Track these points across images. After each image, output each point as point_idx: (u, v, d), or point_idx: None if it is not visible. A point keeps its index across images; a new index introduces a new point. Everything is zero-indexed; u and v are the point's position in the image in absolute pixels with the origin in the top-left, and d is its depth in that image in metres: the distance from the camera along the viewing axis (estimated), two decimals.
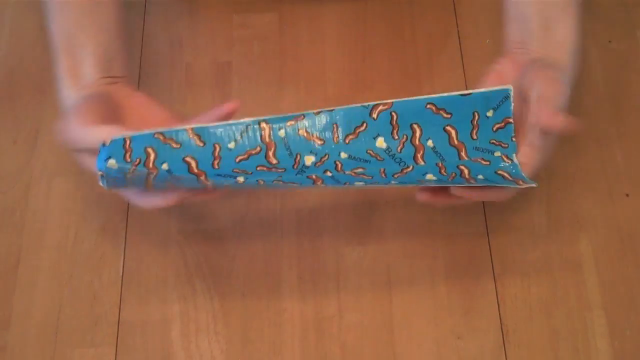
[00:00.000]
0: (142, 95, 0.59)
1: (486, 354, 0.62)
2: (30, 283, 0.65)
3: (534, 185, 0.53)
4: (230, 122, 0.55)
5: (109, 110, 0.56)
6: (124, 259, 0.66)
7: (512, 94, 0.56)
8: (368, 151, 0.57)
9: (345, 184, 0.55)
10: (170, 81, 0.74)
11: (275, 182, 0.55)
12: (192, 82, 0.74)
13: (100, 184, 0.54)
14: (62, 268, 0.66)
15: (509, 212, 0.67)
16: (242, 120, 0.55)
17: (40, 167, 0.70)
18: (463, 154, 0.57)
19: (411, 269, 0.65)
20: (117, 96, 0.58)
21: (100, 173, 0.53)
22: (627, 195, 0.68)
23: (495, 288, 0.64)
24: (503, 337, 0.63)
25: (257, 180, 0.55)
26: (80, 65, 0.58)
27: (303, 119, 0.56)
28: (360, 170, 0.56)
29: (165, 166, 0.54)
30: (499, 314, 0.63)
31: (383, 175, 0.56)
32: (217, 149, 0.55)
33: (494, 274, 0.65)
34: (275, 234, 0.67)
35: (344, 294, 0.65)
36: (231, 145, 0.55)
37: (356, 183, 0.55)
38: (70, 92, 0.58)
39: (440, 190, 0.55)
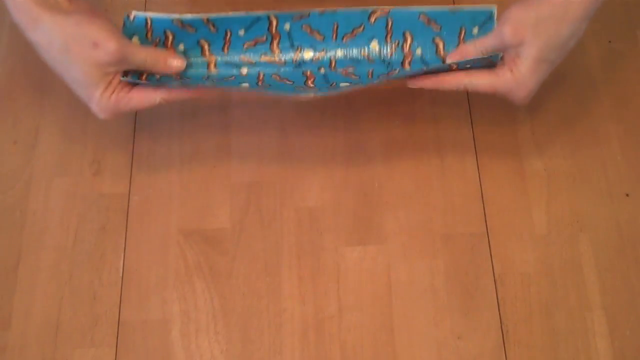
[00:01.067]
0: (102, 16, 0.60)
1: (486, 354, 0.62)
2: (30, 283, 0.65)
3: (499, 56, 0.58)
4: (243, 12, 0.62)
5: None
6: (124, 259, 0.66)
7: (495, 13, 0.61)
8: (362, 52, 0.64)
9: (332, 84, 0.62)
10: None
11: (273, 76, 0.63)
12: None
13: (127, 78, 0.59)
14: (62, 268, 0.66)
15: (509, 212, 0.67)
16: (253, 12, 0.62)
17: (40, 167, 0.70)
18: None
19: (411, 269, 0.65)
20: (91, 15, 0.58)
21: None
22: (627, 195, 0.68)
23: (495, 288, 0.64)
24: (503, 337, 0.63)
25: (257, 73, 0.63)
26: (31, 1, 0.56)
27: (308, 16, 0.63)
28: (350, 69, 0.63)
29: (181, 47, 0.63)
30: (499, 314, 0.63)
31: (370, 76, 0.63)
32: (228, 35, 0.63)
33: (494, 274, 0.65)
34: (275, 234, 0.67)
35: (344, 294, 0.65)
36: (241, 32, 0.63)
37: (342, 84, 0.62)
38: (43, 18, 0.56)
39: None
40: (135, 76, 0.60)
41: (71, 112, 0.72)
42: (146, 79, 0.60)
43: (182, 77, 0.61)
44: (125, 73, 0.59)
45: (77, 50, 0.56)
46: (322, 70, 0.63)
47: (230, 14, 0.62)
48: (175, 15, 0.62)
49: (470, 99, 0.72)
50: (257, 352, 0.63)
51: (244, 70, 0.63)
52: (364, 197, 0.68)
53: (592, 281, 0.64)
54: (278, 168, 0.69)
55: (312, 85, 0.62)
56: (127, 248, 0.67)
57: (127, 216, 0.68)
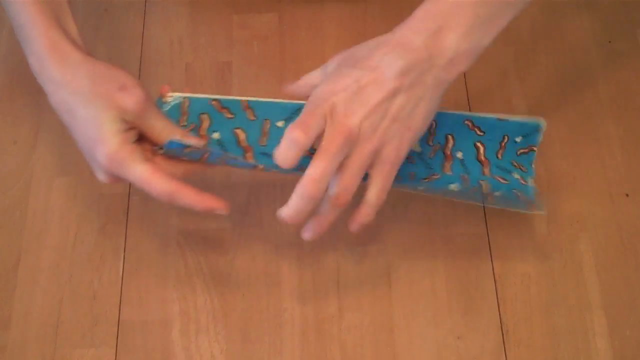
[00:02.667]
0: None
1: (486, 354, 0.62)
2: (30, 283, 0.65)
3: (542, 213, 0.58)
4: (284, 100, 0.58)
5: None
6: (124, 259, 0.66)
7: (543, 126, 0.60)
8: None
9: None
10: (171, 81, 0.74)
11: None
12: (192, 82, 0.74)
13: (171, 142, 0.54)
14: (62, 268, 0.66)
15: (509, 212, 0.67)
16: (295, 102, 0.58)
17: (40, 167, 0.70)
18: (486, 170, 0.60)
19: (411, 269, 0.65)
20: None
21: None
22: (627, 195, 0.68)
23: (495, 288, 0.64)
24: (503, 337, 0.63)
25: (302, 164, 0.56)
26: (63, 38, 0.55)
27: None
28: None
29: (216, 135, 0.57)
30: (499, 314, 0.63)
31: (412, 178, 0.58)
32: (267, 125, 0.58)
33: (494, 273, 0.65)
34: (275, 234, 0.67)
35: (344, 294, 0.65)
36: (280, 123, 0.58)
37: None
38: (74, 54, 0.54)
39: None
40: (177, 143, 0.53)
41: None
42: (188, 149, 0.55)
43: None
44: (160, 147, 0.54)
45: (101, 88, 0.53)
46: None
47: (271, 99, 0.57)
48: (213, 96, 0.57)
49: (470, 100, 0.72)
50: (257, 352, 0.63)
51: None
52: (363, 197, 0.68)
53: (592, 281, 0.64)
54: None
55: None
56: (127, 248, 0.67)
57: (127, 216, 0.68)
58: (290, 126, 0.51)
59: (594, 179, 0.69)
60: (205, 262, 0.66)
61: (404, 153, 0.53)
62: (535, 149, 0.61)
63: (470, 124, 0.60)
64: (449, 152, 0.60)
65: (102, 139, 0.53)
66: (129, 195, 0.69)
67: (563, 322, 0.63)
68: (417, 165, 0.59)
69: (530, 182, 0.60)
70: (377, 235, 0.67)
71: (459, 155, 0.60)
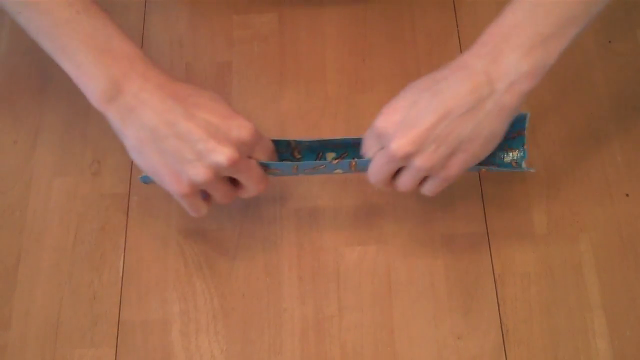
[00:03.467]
0: None
1: (486, 354, 0.62)
2: (30, 283, 0.65)
3: (532, 170, 0.59)
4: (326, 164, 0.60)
5: None
6: (124, 259, 0.66)
7: (529, 117, 0.59)
8: None
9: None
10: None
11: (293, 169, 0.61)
12: (192, 82, 0.73)
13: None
14: (62, 268, 0.66)
15: (509, 212, 0.67)
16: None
17: (40, 167, 0.70)
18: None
19: (411, 269, 0.65)
20: None
21: None
22: (627, 195, 0.68)
23: (495, 288, 0.64)
24: (503, 337, 0.63)
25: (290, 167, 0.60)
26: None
27: (324, 166, 0.61)
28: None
29: None
30: (499, 314, 0.63)
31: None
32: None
33: (494, 274, 0.65)
34: (275, 234, 0.67)
35: (344, 294, 0.65)
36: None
37: None
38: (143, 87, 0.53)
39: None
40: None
41: (71, 112, 0.73)
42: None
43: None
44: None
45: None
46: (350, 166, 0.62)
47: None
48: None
49: None
50: (257, 352, 0.63)
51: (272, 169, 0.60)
52: (364, 197, 0.68)
53: (592, 281, 0.64)
54: None
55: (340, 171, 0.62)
56: (127, 248, 0.67)
57: (127, 216, 0.68)
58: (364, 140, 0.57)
59: (594, 179, 0.69)
60: (205, 262, 0.66)
61: (454, 173, 0.55)
62: (524, 133, 0.60)
63: None
64: None
65: (239, 115, 0.55)
66: (128, 195, 0.69)
67: (563, 322, 0.63)
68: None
69: (524, 165, 0.60)
70: (377, 235, 0.67)
71: None
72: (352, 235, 0.67)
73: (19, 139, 0.72)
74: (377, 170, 0.56)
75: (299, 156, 0.63)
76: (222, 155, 0.53)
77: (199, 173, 0.54)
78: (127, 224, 0.68)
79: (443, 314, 0.64)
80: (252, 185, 0.58)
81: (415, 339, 0.63)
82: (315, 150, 0.63)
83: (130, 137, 0.54)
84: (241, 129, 0.54)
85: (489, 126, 0.53)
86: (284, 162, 0.61)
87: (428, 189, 0.57)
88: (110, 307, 0.64)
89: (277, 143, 0.61)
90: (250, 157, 0.57)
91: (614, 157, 0.69)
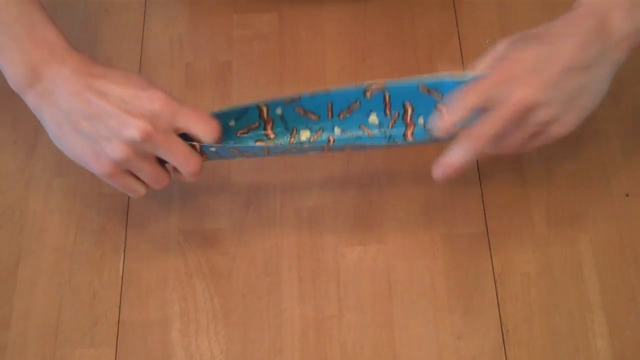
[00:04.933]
0: None
1: (486, 354, 0.62)
2: (30, 283, 0.65)
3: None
4: (229, 106, 0.58)
5: None
6: (124, 259, 0.66)
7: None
8: (360, 126, 0.60)
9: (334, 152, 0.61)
10: (170, 81, 0.74)
11: (274, 152, 0.60)
12: (192, 82, 0.74)
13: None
14: (62, 268, 0.66)
15: (509, 212, 0.67)
16: (240, 104, 0.58)
17: (40, 167, 0.70)
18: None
19: (411, 269, 0.65)
20: None
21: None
22: (627, 195, 0.68)
23: (495, 288, 0.64)
24: (503, 337, 0.63)
25: (254, 152, 0.59)
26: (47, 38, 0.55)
27: (299, 99, 0.59)
28: (350, 145, 0.61)
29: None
30: (499, 314, 0.63)
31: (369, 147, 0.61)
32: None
33: (494, 274, 0.65)
34: (275, 234, 0.67)
35: (344, 294, 0.65)
36: (231, 123, 0.59)
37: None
38: (59, 70, 0.54)
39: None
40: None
41: None
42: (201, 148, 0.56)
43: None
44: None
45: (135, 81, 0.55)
46: (322, 149, 0.61)
47: (216, 110, 0.57)
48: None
49: None
50: (257, 352, 0.63)
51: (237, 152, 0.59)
52: (363, 197, 0.68)
53: (592, 281, 0.64)
54: (278, 168, 0.69)
55: (312, 154, 0.60)
56: (127, 248, 0.67)
57: (127, 216, 0.68)
58: (465, 91, 0.53)
59: (594, 179, 0.69)
60: (205, 262, 0.66)
61: (568, 129, 0.55)
62: None
63: (425, 89, 0.57)
64: (409, 120, 0.59)
65: (155, 86, 0.54)
66: (129, 195, 0.69)
67: (563, 322, 0.63)
68: (375, 137, 0.60)
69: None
70: (377, 235, 0.66)
71: (421, 120, 0.59)
72: (352, 235, 0.67)
73: (19, 139, 0.72)
74: (491, 129, 0.53)
75: (272, 135, 0.60)
76: (133, 129, 0.52)
77: (115, 149, 0.53)
78: (127, 224, 0.68)
79: (443, 314, 0.64)
80: (178, 163, 0.55)
81: (415, 339, 0.63)
82: (289, 125, 0.60)
83: (49, 121, 0.56)
84: (153, 101, 0.53)
85: (602, 81, 0.54)
86: (225, 144, 0.58)
87: (532, 146, 0.56)
88: (110, 307, 0.64)
89: (244, 112, 0.59)
90: (185, 135, 0.55)
91: (614, 157, 0.69)
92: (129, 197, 0.69)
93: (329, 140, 0.60)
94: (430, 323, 0.63)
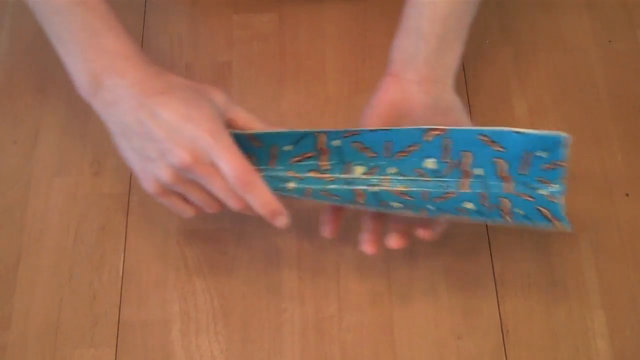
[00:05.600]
0: None
1: (486, 354, 0.62)
2: (30, 283, 0.65)
3: (568, 229, 0.53)
4: (288, 129, 0.58)
5: None
6: (124, 259, 0.66)
7: (566, 140, 0.54)
8: (416, 169, 0.58)
9: (382, 203, 0.56)
10: None
11: (322, 193, 0.58)
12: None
13: None
14: (62, 268, 0.66)
15: None
16: (299, 130, 0.58)
17: (40, 167, 0.70)
18: (509, 185, 0.56)
19: (411, 269, 0.65)
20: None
21: None
22: (627, 195, 0.68)
23: (495, 288, 0.64)
24: (503, 337, 0.63)
25: (304, 188, 0.58)
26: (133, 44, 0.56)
27: (359, 134, 0.58)
28: (404, 189, 0.58)
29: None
30: (499, 314, 0.63)
31: (424, 197, 0.56)
32: (275, 150, 0.58)
33: (494, 274, 0.65)
34: (275, 234, 0.67)
35: (344, 294, 0.65)
36: (287, 148, 0.58)
37: (394, 204, 0.56)
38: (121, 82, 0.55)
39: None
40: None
41: (71, 112, 0.73)
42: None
43: None
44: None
45: (192, 83, 0.57)
46: (374, 189, 0.58)
47: (274, 130, 0.57)
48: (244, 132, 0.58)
49: (470, 100, 0.72)
50: (257, 352, 0.63)
51: (291, 185, 0.58)
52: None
53: (592, 281, 0.64)
54: None
55: (361, 202, 0.57)
56: (127, 248, 0.67)
57: (127, 216, 0.68)
58: None
59: (594, 179, 0.69)
60: (205, 263, 0.66)
61: None
62: (563, 164, 0.55)
63: (487, 139, 0.56)
64: (466, 169, 0.57)
65: (199, 118, 0.53)
66: (129, 195, 0.69)
67: (563, 322, 0.63)
68: (431, 183, 0.57)
69: (561, 199, 0.55)
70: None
71: (478, 171, 0.57)
72: (352, 235, 0.67)
73: (19, 139, 0.72)
74: None
75: (327, 166, 0.59)
76: (175, 157, 0.53)
77: (161, 172, 0.54)
78: (127, 224, 0.68)
79: (443, 314, 0.64)
80: (219, 195, 0.55)
81: (415, 339, 0.63)
82: (345, 158, 0.59)
83: (111, 130, 0.56)
84: (197, 133, 0.53)
85: None
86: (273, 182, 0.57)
87: None
88: (110, 307, 0.64)
89: (301, 138, 0.58)
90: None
91: (614, 157, 0.69)
92: (129, 197, 0.69)
93: (382, 179, 0.58)
94: (430, 323, 0.63)
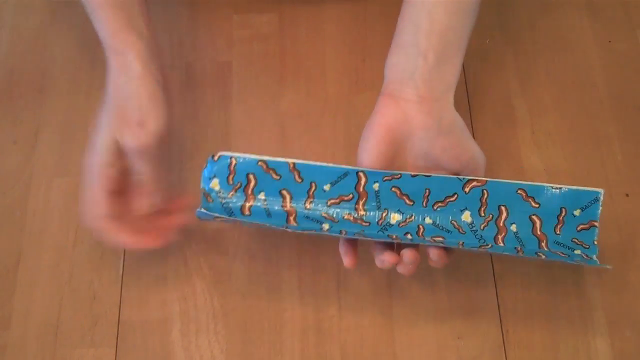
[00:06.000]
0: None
1: (486, 354, 0.62)
2: (30, 283, 0.65)
3: (609, 267, 0.56)
4: (331, 164, 0.58)
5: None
6: (124, 259, 0.66)
7: (602, 197, 0.57)
8: (452, 222, 0.58)
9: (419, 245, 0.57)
10: (171, 81, 0.74)
11: (356, 234, 0.57)
12: (192, 82, 0.74)
13: (201, 211, 0.57)
14: (62, 268, 0.66)
15: None
16: (342, 166, 0.57)
17: (40, 167, 0.70)
18: (544, 244, 0.58)
19: None
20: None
21: (203, 192, 0.58)
22: (627, 195, 0.68)
23: (495, 288, 0.64)
24: (503, 337, 0.63)
25: (339, 231, 0.57)
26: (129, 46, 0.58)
27: (399, 177, 0.57)
28: (439, 239, 0.58)
29: (262, 195, 0.58)
30: (499, 314, 0.63)
31: (460, 246, 0.57)
32: (313, 188, 0.58)
33: (494, 274, 0.65)
34: (275, 234, 0.67)
35: (344, 294, 0.65)
36: (326, 187, 0.58)
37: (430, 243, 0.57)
38: (123, 79, 0.58)
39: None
40: (205, 214, 0.57)
41: (71, 112, 0.73)
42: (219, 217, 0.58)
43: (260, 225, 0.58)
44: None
45: (125, 112, 0.58)
46: (409, 237, 0.57)
47: (317, 163, 0.57)
48: (260, 157, 0.58)
49: (470, 100, 0.72)
50: (257, 352, 0.63)
51: (325, 227, 0.58)
52: None
53: (592, 281, 0.64)
54: None
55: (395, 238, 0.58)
56: (127, 248, 0.67)
57: None
58: None
59: (594, 179, 0.69)
60: (205, 262, 0.66)
61: None
62: (596, 224, 0.57)
63: (523, 194, 0.57)
64: (502, 224, 0.58)
65: (94, 150, 0.59)
66: None
67: (563, 322, 0.63)
68: (466, 235, 0.58)
69: (594, 258, 0.57)
70: None
71: (513, 227, 0.58)
72: None
73: (19, 139, 0.72)
74: None
75: (362, 212, 0.58)
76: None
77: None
78: None
79: (443, 314, 0.64)
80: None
81: (415, 339, 0.63)
82: (382, 204, 0.58)
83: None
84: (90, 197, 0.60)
85: None
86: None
87: None
88: (110, 307, 0.64)
89: (342, 176, 0.58)
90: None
91: (614, 157, 0.69)
92: None
93: (418, 229, 0.58)
94: (430, 323, 0.63)
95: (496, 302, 0.64)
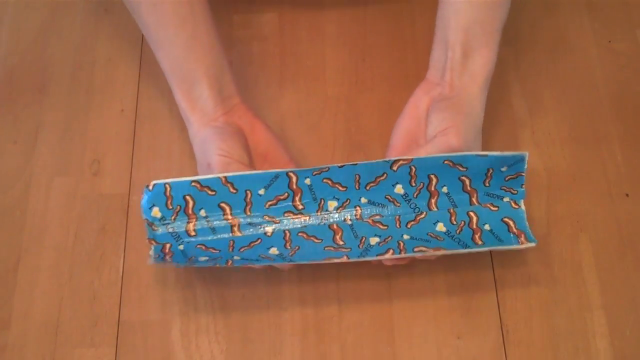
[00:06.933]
0: (262, 127, 0.64)
1: (486, 354, 0.62)
2: (30, 283, 0.65)
3: (533, 244, 0.59)
4: (260, 171, 0.60)
5: (244, 145, 0.62)
6: (124, 259, 0.66)
7: (527, 158, 0.60)
8: (386, 196, 0.62)
9: (361, 240, 0.61)
10: None
11: (300, 234, 0.61)
12: None
13: (153, 258, 0.60)
14: (62, 268, 0.66)
15: None
16: (270, 170, 0.61)
17: (40, 167, 0.70)
18: (474, 199, 0.62)
19: (411, 269, 0.65)
20: (243, 130, 0.63)
21: (145, 221, 0.61)
22: (627, 195, 0.68)
23: (495, 288, 0.64)
24: (503, 337, 0.63)
25: (283, 232, 0.61)
26: (197, 98, 0.62)
27: (328, 170, 0.61)
28: (377, 217, 0.62)
29: (202, 212, 0.61)
30: (499, 314, 0.63)
31: (398, 224, 0.62)
32: (249, 195, 0.61)
33: (494, 273, 0.65)
34: None
35: (344, 294, 0.64)
36: (261, 191, 0.61)
37: (371, 238, 0.61)
38: (197, 128, 0.62)
39: None
40: (159, 247, 0.60)
41: (71, 112, 0.73)
42: (170, 250, 0.60)
43: (206, 245, 0.61)
44: (151, 240, 0.60)
45: (205, 154, 0.62)
46: (349, 222, 0.62)
47: (247, 172, 0.60)
48: (193, 178, 0.60)
49: None
50: (257, 352, 0.63)
51: (269, 230, 0.61)
52: None
53: (592, 281, 0.64)
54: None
55: (341, 242, 0.61)
56: (127, 248, 0.67)
57: (127, 216, 0.68)
58: None
59: (594, 179, 0.69)
60: None
61: None
62: (523, 173, 0.61)
63: (450, 163, 0.60)
64: (433, 189, 0.62)
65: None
66: (129, 195, 0.69)
67: (563, 322, 0.63)
68: (401, 207, 0.62)
69: (522, 204, 0.62)
70: None
71: (444, 189, 0.62)
72: None
73: (19, 139, 0.72)
74: None
75: (300, 206, 0.62)
76: None
77: None
78: (127, 224, 0.68)
79: (443, 314, 0.64)
80: None
81: (415, 339, 0.63)
82: (317, 196, 0.62)
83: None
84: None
85: None
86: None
87: None
88: (110, 307, 0.64)
89: (273, 180, 0.61)
90: None
91: (614, 157, 0.69)
92: (129, 197, 0.69)
93: (356, 210, 0.62)
94: (430, 323, 0.63)
95: (496, 302, 0.64)
